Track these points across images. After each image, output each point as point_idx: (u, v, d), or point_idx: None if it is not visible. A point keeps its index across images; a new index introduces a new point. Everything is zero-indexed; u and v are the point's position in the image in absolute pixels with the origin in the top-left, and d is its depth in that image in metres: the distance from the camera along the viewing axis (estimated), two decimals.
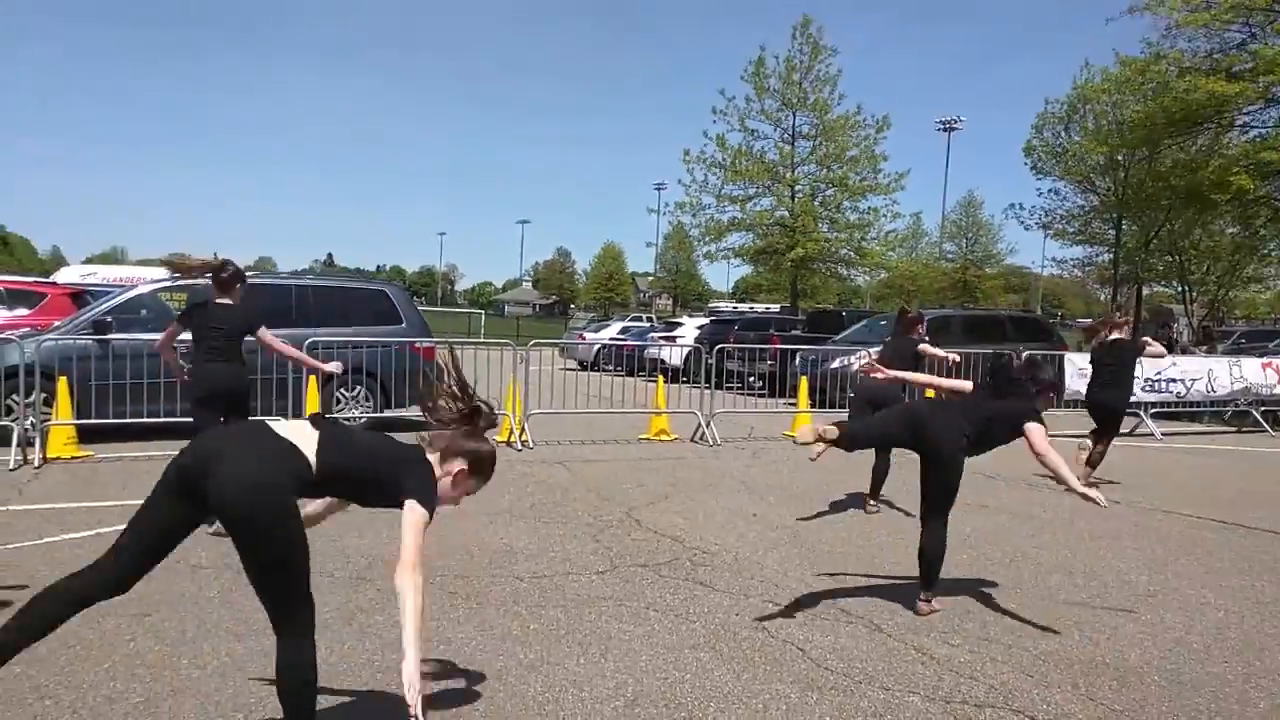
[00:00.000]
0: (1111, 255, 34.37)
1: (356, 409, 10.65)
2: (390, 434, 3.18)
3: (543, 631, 4.38)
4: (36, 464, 8.06)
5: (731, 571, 5.52)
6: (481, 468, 3.20)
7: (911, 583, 5.38)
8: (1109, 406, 8.84)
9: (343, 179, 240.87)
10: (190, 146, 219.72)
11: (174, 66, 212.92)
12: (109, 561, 2.96)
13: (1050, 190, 34.74)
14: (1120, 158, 30.47)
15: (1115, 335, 8.96)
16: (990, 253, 58.25)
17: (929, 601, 4.89)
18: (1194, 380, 14.14)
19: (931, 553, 4.92)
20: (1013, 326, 17.92)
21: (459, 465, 3.15)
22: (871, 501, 7.52)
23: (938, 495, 4.96)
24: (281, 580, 2.95)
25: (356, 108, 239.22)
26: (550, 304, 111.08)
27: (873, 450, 7.35)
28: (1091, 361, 9.37)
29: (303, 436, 2.90)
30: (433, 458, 3.14)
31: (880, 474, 7.53)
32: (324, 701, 3.49)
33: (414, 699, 2.66)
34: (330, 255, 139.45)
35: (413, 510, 2.90)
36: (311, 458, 2.88)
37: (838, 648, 4.30)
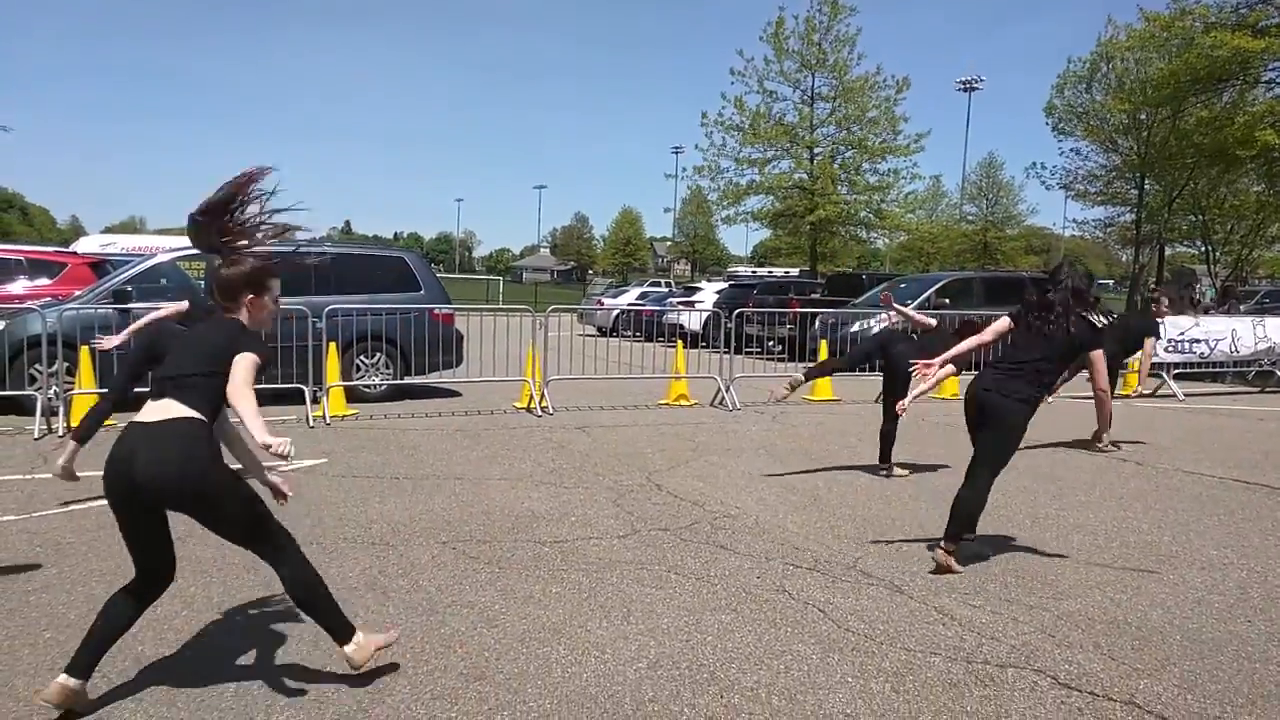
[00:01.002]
0: (1134, 215, 33.93)
1: (376, 376, 10.69)
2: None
3: (564, 595, 4.40)
4: (61, 433, 8.14)
5: (752, 534, 5.53)
6: (260, 281, 3.34)
7: (933, 544, 5.38)
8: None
9: (360, 146, 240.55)
10: (207, 115, 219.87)
11: (190, 35, 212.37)
12: (137, 567, 3.26)
13: (1072, 150, 34.28)
14: (1143, 116, 29.98)
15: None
16: (1011, 214, 57.58)
17: (950, 554, 4.89)
18: (1217, 340, 13.98)
19: (966, 507, 4.93)
20: (1035, 288, 17.73)
21: (246, 296, 3.31)
22: (886, 467, 7.42)
23: (989, 453, 5.04)
24: (246, 526, 3.24)
25: (372, 74, 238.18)
26: (568, 270, 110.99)
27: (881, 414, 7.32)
28: None
29: (171, 405, 3.09)
30: (237, 313, 3.32)
31: (889, 438, 7.41)
32: (348, 664, 3.53)
33: (277, 441, 2.90)
34: (348, 222, 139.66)
35: (244, 358, 3.11)
36: (190, 411, 3.08)
37: (859, 609, 4.30)
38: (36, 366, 8.77)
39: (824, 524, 5.82)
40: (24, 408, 8.71)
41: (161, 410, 3.08)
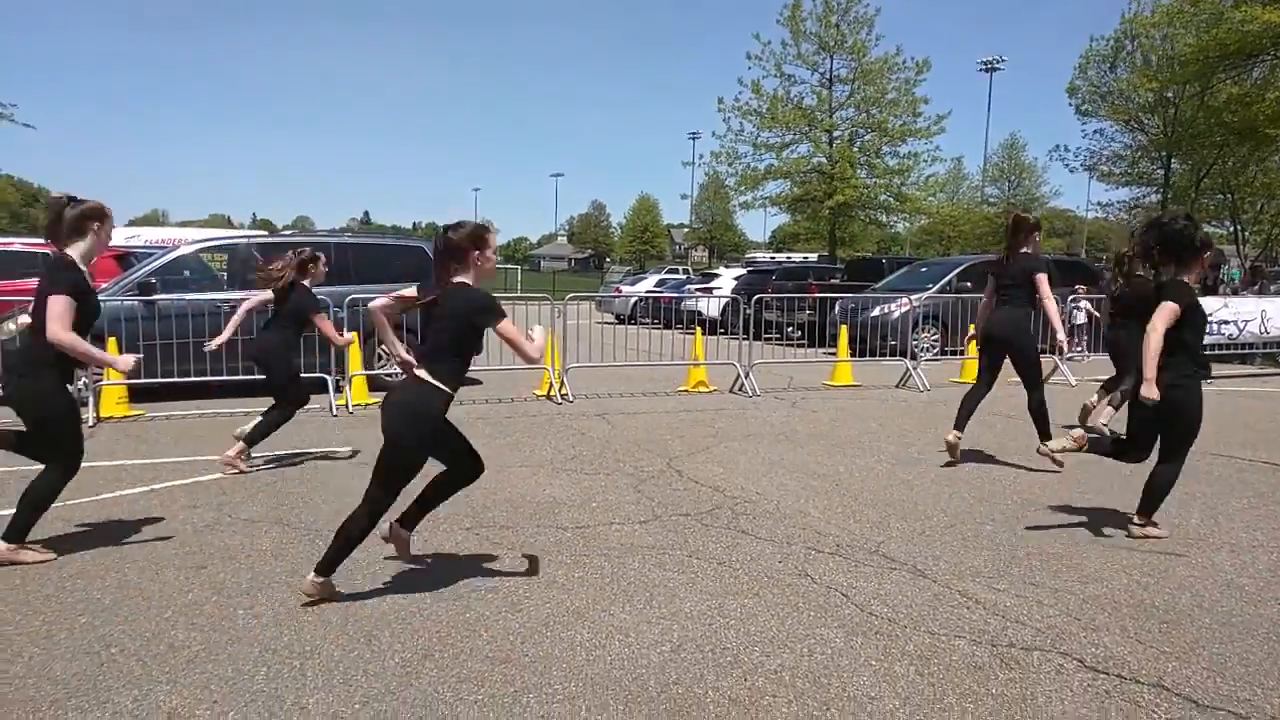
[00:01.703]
0: (1160, 196, 33.50)
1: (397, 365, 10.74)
2: None
3: (587, 580, 4.43)
4: (90, 423, 8.25)
5: (773, 520, 5.54)
6: (483, 238, 4.19)
7: (955, 531, 5.38)
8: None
9: (378, 138, 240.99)
10: (227, 109, 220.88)
11: (209, 27, 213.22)
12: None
13: (1095, 131, 33.87)
14: (1170, 94, 29.56)
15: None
16: (1034, 196, 57.09)
17: (1144, 526, 5.21)
18: (1247, 321, 13.84)
19: (1160, 483, 5.23)
20: (1058, 271, 17.51)
21: (473, 254, 4.12)
22: (957, 433, 7.01)
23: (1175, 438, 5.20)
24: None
25: (390, 66, 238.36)
26: (585, 258, 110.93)
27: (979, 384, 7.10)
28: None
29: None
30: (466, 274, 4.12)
31: (973, 404, 7.02)
32: (378, 650, 3.58)
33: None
34: (367, 213, 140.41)
35: (505, 327, 4.02)
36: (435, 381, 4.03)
37: (882, 593, 4.30)
38: None
39: (845, 509, 5.82)
40: None
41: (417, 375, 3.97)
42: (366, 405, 9.52)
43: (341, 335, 7.10)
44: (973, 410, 7.04)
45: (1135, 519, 5.32)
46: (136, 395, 9.15)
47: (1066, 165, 36.95)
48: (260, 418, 6.71)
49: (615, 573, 4.53)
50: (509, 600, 4.13)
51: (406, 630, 3.78)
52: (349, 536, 3.98)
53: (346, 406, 9.26)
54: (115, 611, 3.91)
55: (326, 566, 3.98)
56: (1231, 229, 33.15)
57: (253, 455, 6.76)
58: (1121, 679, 3.42)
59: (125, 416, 8.66)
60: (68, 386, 4.62)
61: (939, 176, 36.16)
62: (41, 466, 4.57)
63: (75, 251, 4.47)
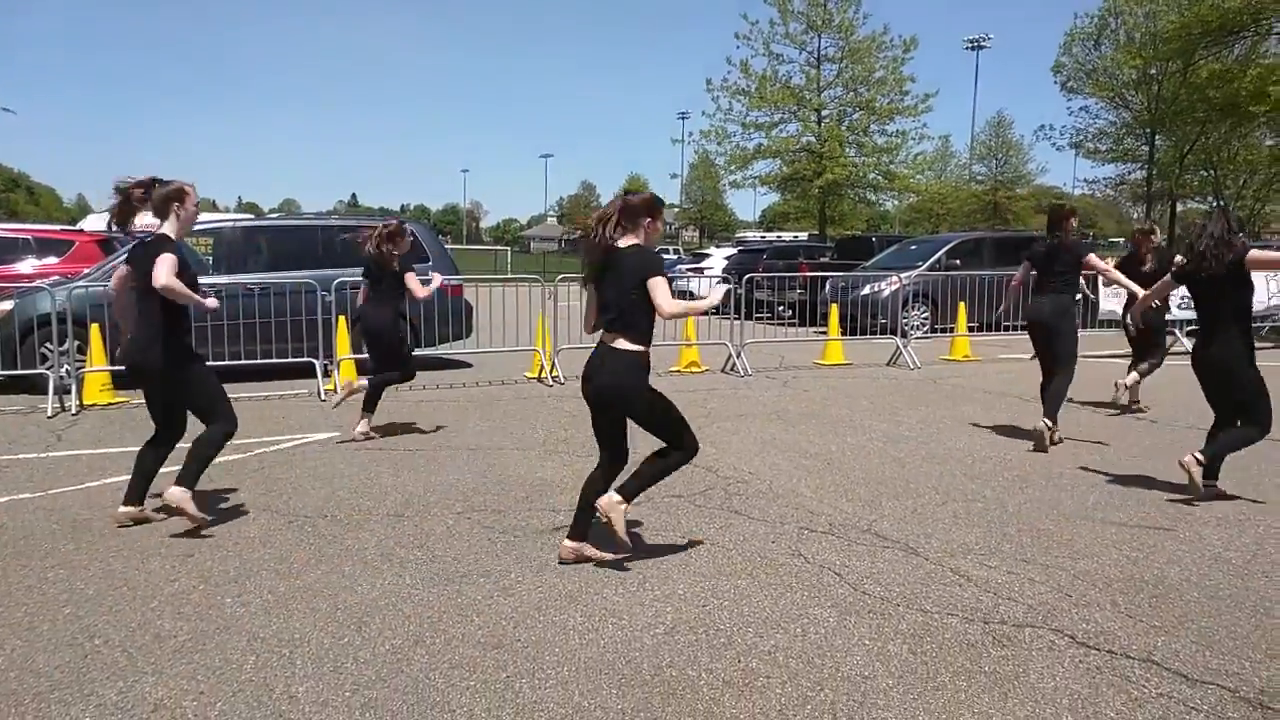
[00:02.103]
0: (1144, 172, 33.55)
1: None
2: None
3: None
4: (73, 411, 8.18)
5: (766, 500, 5.52)
6: (658, 206, 4.35)
7: (947, 508, 5.38)
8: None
9: (364, 119, 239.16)
10: (207, 88, 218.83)
11: (192, 6, 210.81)
12: (602, 450, 4.47)
13: (1081, 109, 33.85)
14: (1154, 71, 29.55)
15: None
16: (1020, 173, 57.15)
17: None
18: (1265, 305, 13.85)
19: (1233, 440, 5.54)
20: None
21: (645, 220, 4.25)
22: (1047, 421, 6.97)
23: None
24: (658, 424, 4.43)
25: (376, 45, 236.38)
26: (576, 239, 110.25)
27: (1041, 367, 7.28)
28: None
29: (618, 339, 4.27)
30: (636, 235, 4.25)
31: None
32: (368, 637, 3.55)
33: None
34: (354, 196, 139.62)
35: (657, 283, 4.12)
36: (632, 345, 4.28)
37: (874, 572, 4.30)
38: (47, 345, 8.78)
39: (838, 488, 5.81)
40: (37, 387, 8.74)
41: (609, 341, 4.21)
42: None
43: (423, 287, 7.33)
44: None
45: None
46: (121, 382, 9.06)
47: (1053, 143, 36.93)
48: (367, 386, 7.22)
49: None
50: (500, 585, 4.11)
51: (397, 616, 3.75)
52: (662, 471, 4.36)
53: (335, 390, 9.19)
54: (99, 602, 3.87)
55: (629, 493, 4.29)
56: (1215, 204, 33.21)
57: (238, 441, 6.72)
58: (1112, 654, 3.42)
59: (109, 404, 8.58)
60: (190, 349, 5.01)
61: (927, 155, 36.06)
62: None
63: (169, 229, 4.86)
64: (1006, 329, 14.27)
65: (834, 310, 12.61)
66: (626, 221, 4.17)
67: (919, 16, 78.26)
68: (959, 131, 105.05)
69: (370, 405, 7.26)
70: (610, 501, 4.23)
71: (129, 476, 4.92)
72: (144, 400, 5.04)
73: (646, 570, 4.31)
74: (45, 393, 8.28)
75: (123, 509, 4.86)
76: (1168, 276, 5.83)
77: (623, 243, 4.17)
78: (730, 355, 11.38)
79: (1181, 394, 9.43)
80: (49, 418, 7.94)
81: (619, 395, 4.24)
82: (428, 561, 4.41)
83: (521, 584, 4.13)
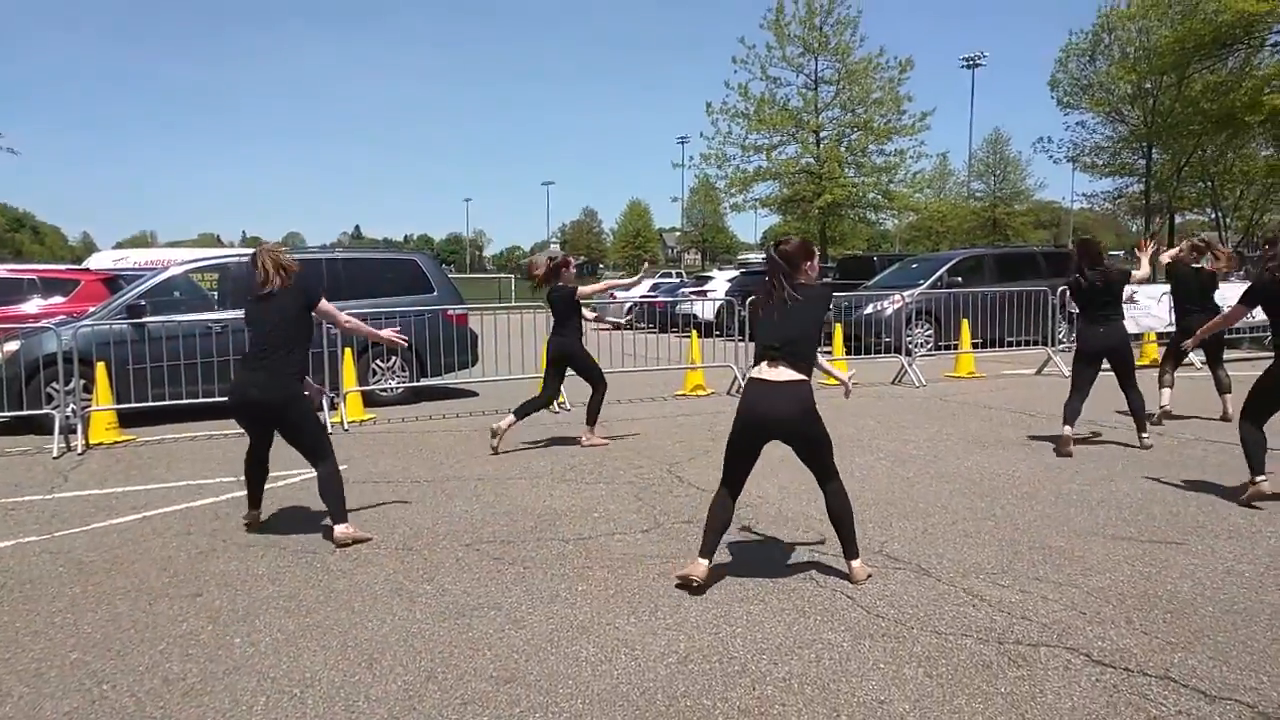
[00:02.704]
0: (1142, 185, 33.61)
1: (393, 379, 10.71)
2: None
3: (590, 593, 4.39)
4: (80, 451, 8.18)
5: (776, 523, 5.50)
6: (811, 250, 4.58)
7: (957, 528, 5.35)
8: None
9: (367, 151, 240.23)
10: (212, 125, 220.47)
11: (187, 42, 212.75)
12: (728, 483, 4.58)
13: (1077, 123, 33.99)
14: (1149, 85, 29.67)
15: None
16: (1019, 189, 57.22)
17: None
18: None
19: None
20: (1047, 263, 17.52)
21: (806, 264, 4.49)
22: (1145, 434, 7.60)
23: None
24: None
25: (378, 77, 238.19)
26: (579, 264, 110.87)
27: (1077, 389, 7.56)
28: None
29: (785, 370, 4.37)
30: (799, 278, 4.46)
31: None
32: (379, 674, 3.54)
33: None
34: (357, 227, 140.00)
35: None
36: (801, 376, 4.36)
37: (887, 594, 4.27)
38: (53, 385, 8.81)
39: None
40: (43, 427, 8.75)
41: (780, 374, 4.31)
42: (362, 422, 9.47)
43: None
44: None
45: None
46: (127, 420, 9.08)
47: (1050, 157, 37.07)
48: (587, 404, 8.22)
49: (619, 584, 4.49)
50: (511, 617, 4.09)
51: (408, 652, 3.73)
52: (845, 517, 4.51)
53: (342, 424, 9.20)
54: (107, 646, 3.85)
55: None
56: (1213, 216, 33.26)
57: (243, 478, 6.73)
58: (1129, 672, 3.39)
59: (116, 442, 8.58)
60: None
61: (925, 173, 36.11)
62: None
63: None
64: (1011, 345, 14.30)
65: (838, 330, 12.61)
66: (792, 270, 4.41)
67: (915, 36, 78.91)
68: (957, 149, 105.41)
69: (593, 419, 8.21)
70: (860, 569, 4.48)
71: (138, 516, 4.92)
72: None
73: (658, 598, 4.29)
74: (51, 433, 8.28)
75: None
76: (1240, 301, 6.05)
77: (801, 280, 4.42)
78: (735, 377, 11.37)
79: (1190, 406, 9.41)
80: (55, 458, 7.94)
81: (808, 420, 4.40)
82: (437, 595, 4.40)
83: (533, 616, 4.11)
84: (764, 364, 4.34)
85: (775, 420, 4.36)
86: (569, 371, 8.33)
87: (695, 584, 4.31)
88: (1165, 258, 9.46)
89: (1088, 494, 6.06)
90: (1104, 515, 5.53)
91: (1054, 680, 3.34)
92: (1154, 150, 31.66)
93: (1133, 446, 7.54)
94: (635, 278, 8.29)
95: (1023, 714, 3.10)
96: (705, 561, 4.39)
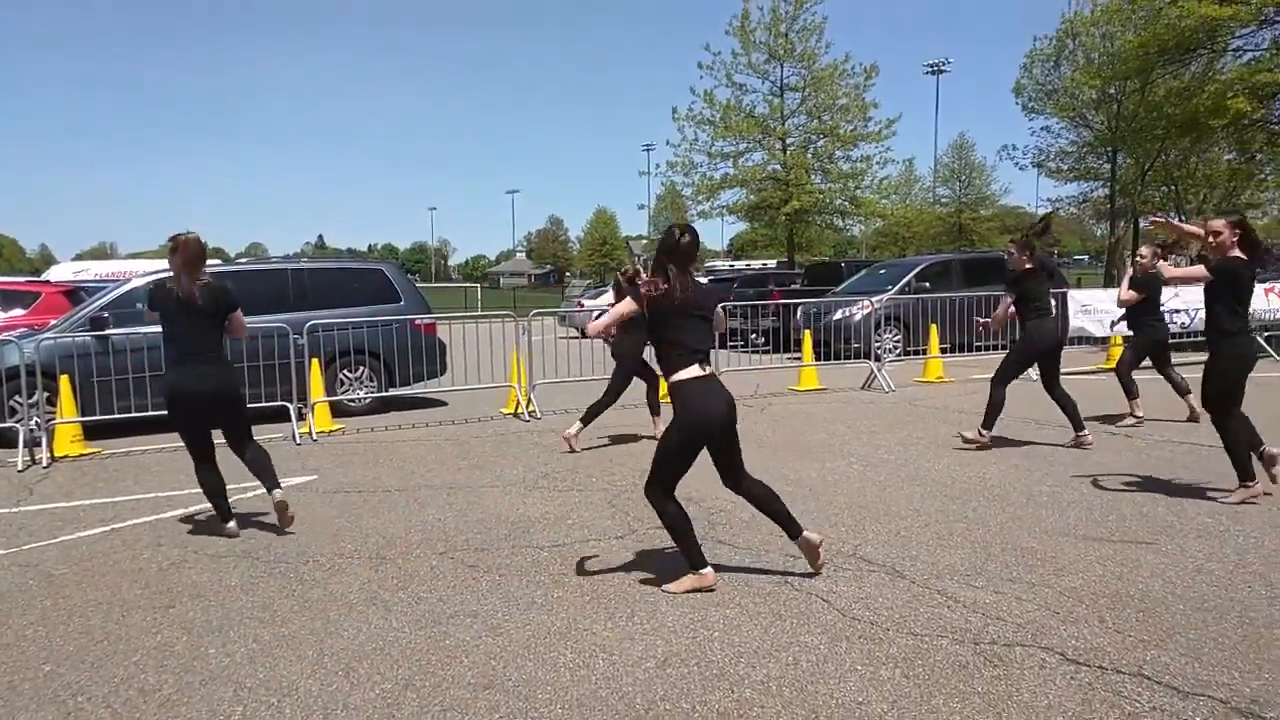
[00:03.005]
0: (1107, 190, 34.20)
1: (361, 389, 10.63)
2: None
3: (567, 599, 4.37)
4: (45, 463, 8.03)
5: (749, 528, 5.52)
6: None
7: (930, 530, 5.40)
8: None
9: (329, 159, 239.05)
10: (171, 134, 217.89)
11: (147, 45, 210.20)
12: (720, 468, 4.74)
13: (1042, 129, 34.54)
14: (1113, 90, 30.22)
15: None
16: (984, 194, 57.94)
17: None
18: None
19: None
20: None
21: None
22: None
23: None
24: None
25: (338, 85, 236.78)
26: (545, 273, 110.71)
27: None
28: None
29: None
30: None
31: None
32: (356, 683, 3.51)
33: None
34: (321, 237, 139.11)
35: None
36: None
37: (862, 596, 4.30)
38: (16, 398, 8.64)
39: (821, 513, 5.82)
40: (6, 440, 8.58)
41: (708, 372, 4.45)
42: (330, 432, 9.38)
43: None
44: None
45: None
46: (91, 433, 8.93)
47: (1015, 163, 37.55)
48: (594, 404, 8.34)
49: (595, 590, 4.49)
50: (488, 624, 4.07)
51: (385, 661, 3.70)
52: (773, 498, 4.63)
53: (310, 434, 9.11)
54: (80, 658, 3.78)
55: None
56: (1177, 219, 33.86)
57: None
58: (1103, 670, 3.44)
59: (81, 455, 8.44)
60: None
61: (892, 179, 36.50)
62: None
63: None
64: (979, 349, 14.46)
65: (807, 336, 12.68)
66: (686, 261, 4.59)
67: (879, 43, 79.61)
68: (922, 155, 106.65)
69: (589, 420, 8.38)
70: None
71: (106, 529, 4.84)
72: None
73: (634, 603, 4.28)
74: (15, 446, 8.13)
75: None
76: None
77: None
78: None
79: (1158, 408, 9.56)
80: (20, 471, 7.79)
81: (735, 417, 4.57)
82: (412, 603, 4.36)
83: (509, 622, 4.09)
84: (695, 365, 4.42)
85: (728, 419, 4.49)
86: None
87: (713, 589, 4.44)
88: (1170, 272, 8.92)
89: (1058, 495, 6.14)
90: (1074, 516, 5.60)
91: (1030, 679, 3.37)
92: (1119, 155, 32.23)
93: (1099, 447, 7.64)
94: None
95: (1000, 713, 3.13)
96: (709, 568, 4.50)
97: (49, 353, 8.81)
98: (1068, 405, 7.73)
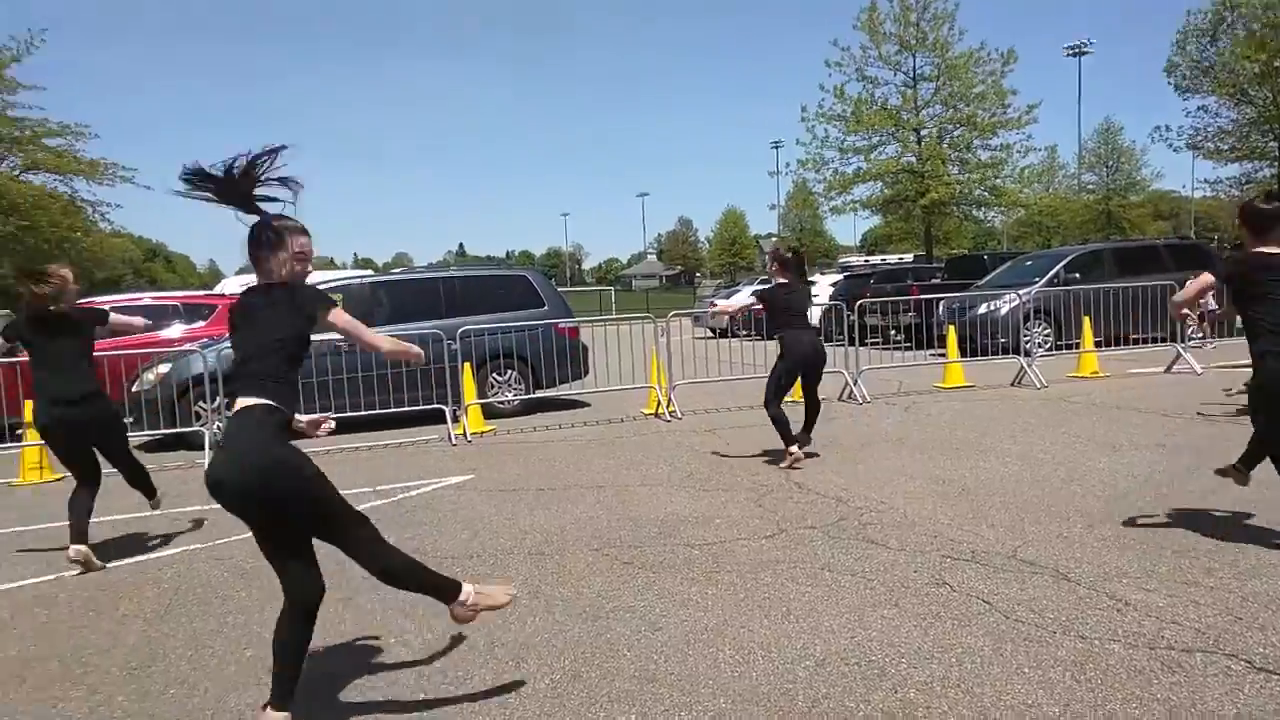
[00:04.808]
0: (1274, 169, 31.84)
1: (509, 391, 10.99)
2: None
3: (721, 597, 4.44)
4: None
5: (902, 528, 5.46)
6: (261, 234, 3.29)
7: (1094, 532, 5.21)
8: None
9: (468, 171, 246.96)
10: (317, 151, 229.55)
11: (292, 72, 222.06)
12: None
13: (1199, 108, 32.47)
14: (1278, 64, 28.11)
15: None
16: (1134, 180, 54.87)
17: None
18: None
19: None
20: (1171, 256, 16.69)
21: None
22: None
23: None
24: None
25: (474, 98, 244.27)
26: (675, 274, 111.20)
27: None
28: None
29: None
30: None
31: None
32: (527, 673, 3.65)
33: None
34: (461, 245, 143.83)
35: (338, 314, 3.31)
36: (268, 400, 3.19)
37: (1025, 599, 4.20)
38: (201, 404, 9.35)
39: (976, 514, 5.69)
40: (193, 443, 9.30)
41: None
42: (483, 433, 9.74)
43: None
44: None
45: None
46: None
47: (1170, 145, 35.23)
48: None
49: (748, 589, 4.54)
50: (647, 620, 4.18)
51: (551, 652, 3.86)
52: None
53: (465, 435, 9.50)
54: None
55: None
56: None
57: (380, 487, 7.02)
58: None
59: None
60: None
61: (1034, 167, 35.00)
62: None
63: None
64: (1136, 343, 13.76)
65: (952, 332, 12.35)
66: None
67: (1016, 27, 76.46)
68: (1065, 142, 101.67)
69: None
70: None
71: None
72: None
73: (790, 602, 4.31)
74: (202, 448, 8.80)
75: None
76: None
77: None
78: (847, 382, 11.27)
79: None
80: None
81: None
82: (573, 598, 4.52)
83: (667, 619, 4.19)
84: None
85: None
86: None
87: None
88: None
89: (1236, 494, 5.79)
90: (1254, 517, 5.29)
91: (1214, 687, 3.23)
92: None
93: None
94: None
95: None
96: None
97: (228, 360, 9.49)
98: None
